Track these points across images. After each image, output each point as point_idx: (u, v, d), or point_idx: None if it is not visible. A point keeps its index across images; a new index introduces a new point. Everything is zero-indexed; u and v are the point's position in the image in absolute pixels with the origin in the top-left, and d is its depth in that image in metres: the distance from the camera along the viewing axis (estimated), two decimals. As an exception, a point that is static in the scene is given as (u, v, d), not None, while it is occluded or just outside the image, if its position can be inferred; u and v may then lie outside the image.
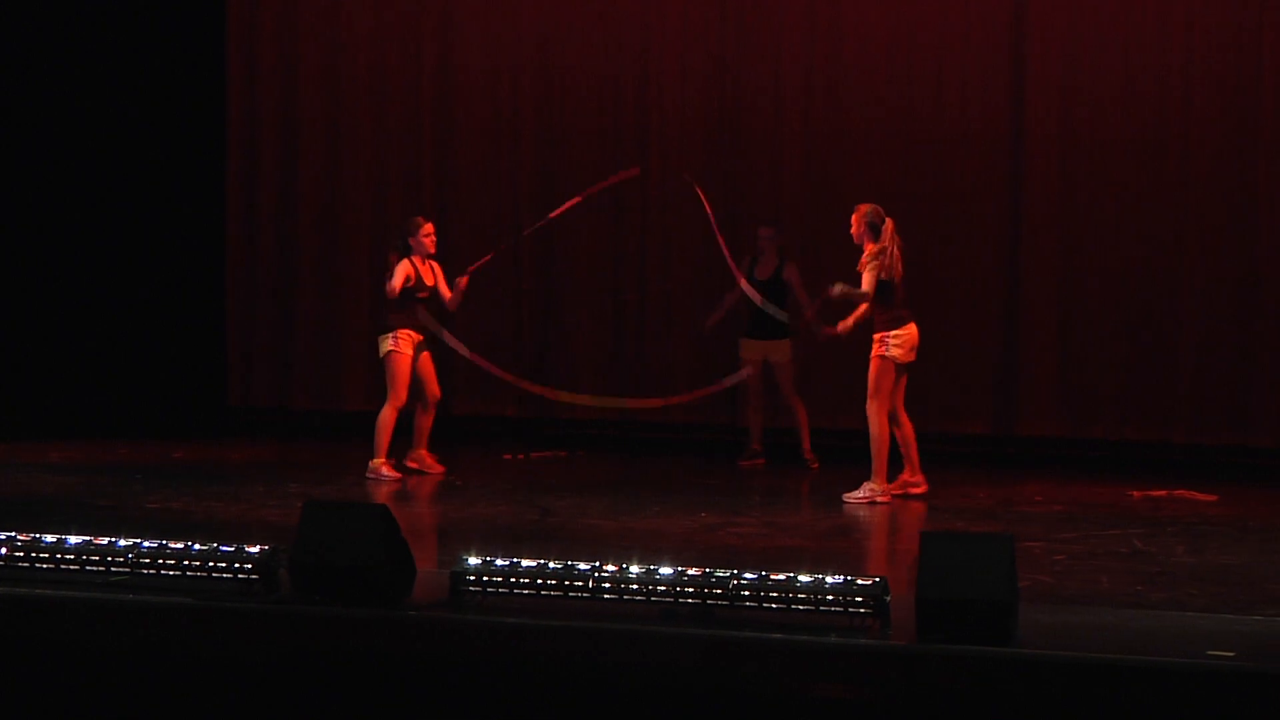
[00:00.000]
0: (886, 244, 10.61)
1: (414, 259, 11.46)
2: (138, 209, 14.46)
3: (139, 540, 7.43)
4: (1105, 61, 13.24)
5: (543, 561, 7.03)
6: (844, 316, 10.84)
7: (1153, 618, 7.23)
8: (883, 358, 10.63)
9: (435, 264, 11.64)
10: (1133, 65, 13.18)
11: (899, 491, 10.88)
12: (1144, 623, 7.07)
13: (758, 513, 10.39)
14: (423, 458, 11.74)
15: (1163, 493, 11.23)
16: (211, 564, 7.26)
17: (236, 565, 7.22)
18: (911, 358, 10.75)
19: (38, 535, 7.58)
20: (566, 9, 14.37)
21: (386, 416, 11.37)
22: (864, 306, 10.67)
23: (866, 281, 10.60)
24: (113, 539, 7.48)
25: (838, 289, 10.69)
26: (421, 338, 11.47)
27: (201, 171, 14.93)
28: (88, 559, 7.44)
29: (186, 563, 7.28)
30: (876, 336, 10.65)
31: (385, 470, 11.36)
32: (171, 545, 7.36)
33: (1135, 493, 11.25)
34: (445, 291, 11.66)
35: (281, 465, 12.54)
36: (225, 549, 7.28)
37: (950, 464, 12.44)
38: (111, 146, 14.31)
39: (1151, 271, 13.15)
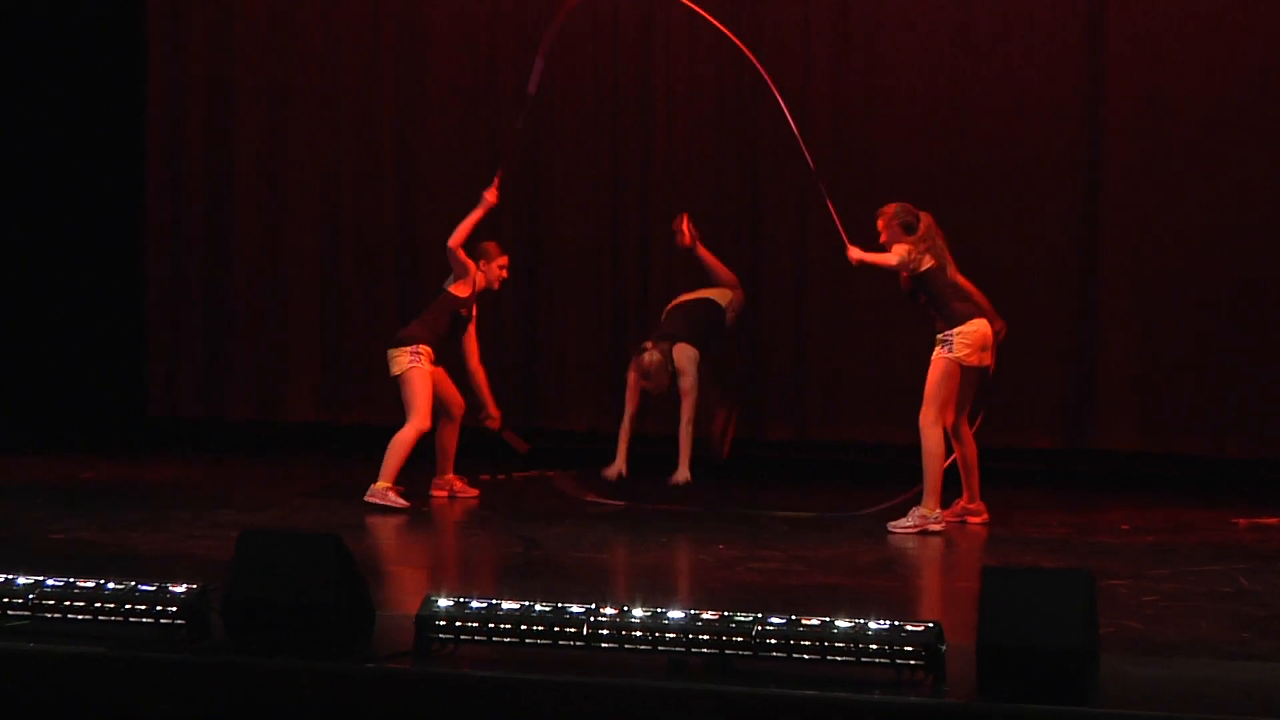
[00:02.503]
0: (927, 239, 10.68)
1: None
2: (39, 187, 14.49)
3: (41, 578, 7.43)
4: (1199, 9, 13.17)
5: (527, 603, 7.03)
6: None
7: (1261, 670, 7.24)
8: (946, 359, 10.64)
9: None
10: (1229, 10, 13.12)
11: (955, 520, 10.89)
12: (1250, 676, 7.07)
13: (785, 544, 10.39)
14: (451, 483, 11.89)
15: (1273, 520, 11.29)
16: (129, 606, 7.27)
17: (159, 608, 7.23)
18: (986, 360, 10.80)
19: (-81, 572, 7.58)
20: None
21: (405, 438, 11.44)
22: (884, 257, 10.79)
23: (894, 254, 10.72)
24: (9, 576, 7.47)
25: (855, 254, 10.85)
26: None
27: (115, 139, 14.94)
28: (-21, 600, 7.44)
29: (99, 605, 7.30)
30: (938, 337, 10.73)
31: (393, 496, 11.39)
32: (80, 584, 7.37)
33: (1240, 520, 11.32)
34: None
35: (212, 487, 12.54)
36: (145, 588, 7.29)
37: (1016, 484, 12.47)
38: (10, 121, 14.32)
39: (1254, 257, 13.11)
